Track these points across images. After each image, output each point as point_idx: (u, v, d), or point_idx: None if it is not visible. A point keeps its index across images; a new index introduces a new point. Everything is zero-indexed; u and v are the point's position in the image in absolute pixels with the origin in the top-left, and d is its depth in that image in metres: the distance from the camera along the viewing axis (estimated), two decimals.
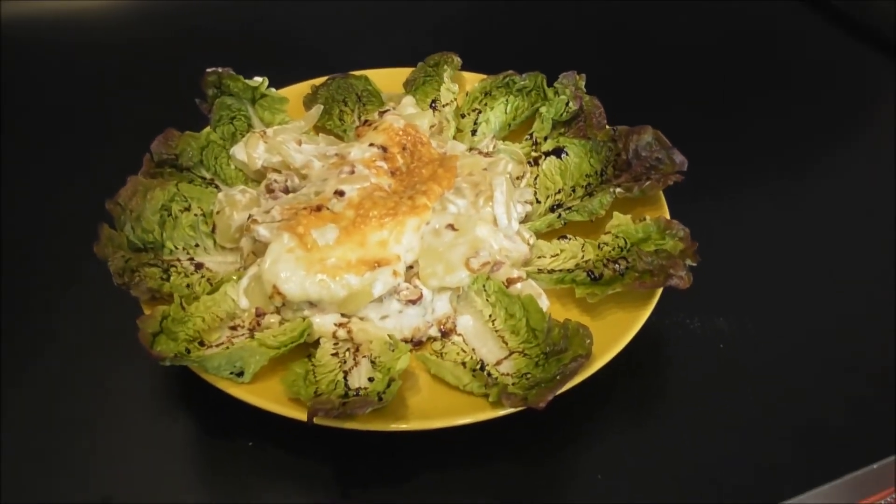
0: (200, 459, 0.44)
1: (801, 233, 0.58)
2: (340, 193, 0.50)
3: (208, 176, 0.55)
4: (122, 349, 0.48)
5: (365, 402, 0.39)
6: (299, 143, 0.56)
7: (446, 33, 0.81)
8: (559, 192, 0.55)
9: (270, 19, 0.84)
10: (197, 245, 0.51)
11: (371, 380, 0.43)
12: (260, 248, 0.49)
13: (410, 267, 0.48)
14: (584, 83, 0.59)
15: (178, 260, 0.49)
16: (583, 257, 0.50)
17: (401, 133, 0.54)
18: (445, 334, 0.47)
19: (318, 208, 0.49)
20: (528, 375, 0.43)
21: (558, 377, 0.41)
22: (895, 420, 0.45)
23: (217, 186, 0.55)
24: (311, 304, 0.46)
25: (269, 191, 0.53)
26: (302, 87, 0.63)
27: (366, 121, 0.59)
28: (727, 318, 0.51)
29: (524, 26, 0.84)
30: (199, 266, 0.50)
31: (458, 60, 0.62)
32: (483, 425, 0.41)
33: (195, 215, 0.51)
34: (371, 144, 0.53)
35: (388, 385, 0.41)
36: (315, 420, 0.39)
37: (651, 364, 0.48)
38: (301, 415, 0.40)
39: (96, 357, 0.49)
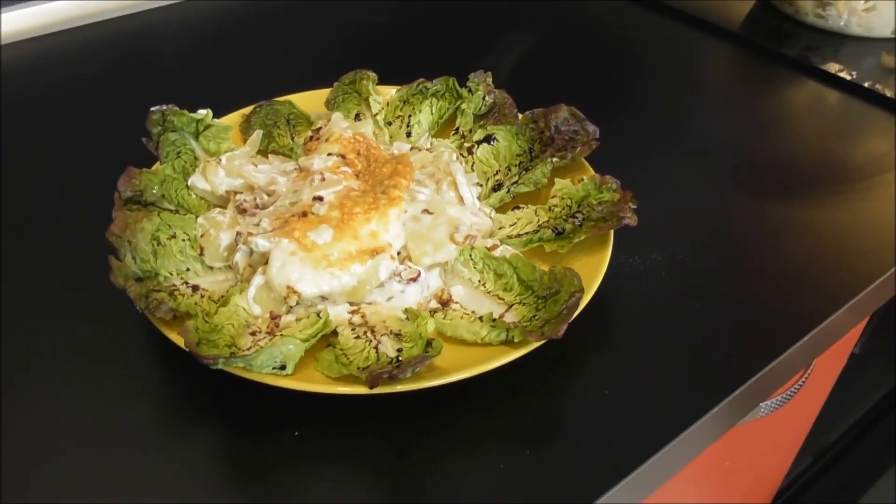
0: (244, 459, 0.46)
1: (691, 172, 0.71)
2: (319, 199, 0.54)
3: (172, 208, 0.57)
4: (131, 369, 0.50)
5: (418, 358, 0.44)
6: (255, 165, 0.59)
7: (334, 56, 0.86)
8: (497, 173, 0.62)
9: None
10: (188, 269, 0.52)
11: (400, 350, 0.47)
12: (256, 260, 0.52)
13: (399, 252, 0.53)
14: (491, 79, 0.67)
15: (174, 285, 0.51)
16: (538, 221, 0.57)
17: (353, 140, 0.59)
18: (445, 304, 0.52)
19: (305, 214, 0.53)
20: (535, 317, 0.49)
21: (564, 311, 0.48)
22: (806, 298, 0.57)
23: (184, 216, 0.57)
24: (323, 298, 0.50)
25: (242, 211, 0.56)
26: (232, 118, 0.66)
27: (311, 136, 0.63)
28: (660, 252, 0.60)
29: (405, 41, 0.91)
30: (195, 288, 0.52)
31: (373, 75, 0.68)
32: (499, 371, 0.47)
33: (182, 241, 0.53)
34: (329, 154, 0.58)
35: (429, 344, 0.46)
36: (378, 386, 0.43)
37: (612, 297, 0.56)
38: (356, 390, 0.44)
39: (105, 378, 0.50)
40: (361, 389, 0.44)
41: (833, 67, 0.84)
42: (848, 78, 0.82)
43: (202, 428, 0.48)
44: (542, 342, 0.47)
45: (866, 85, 0.81)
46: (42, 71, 0.83)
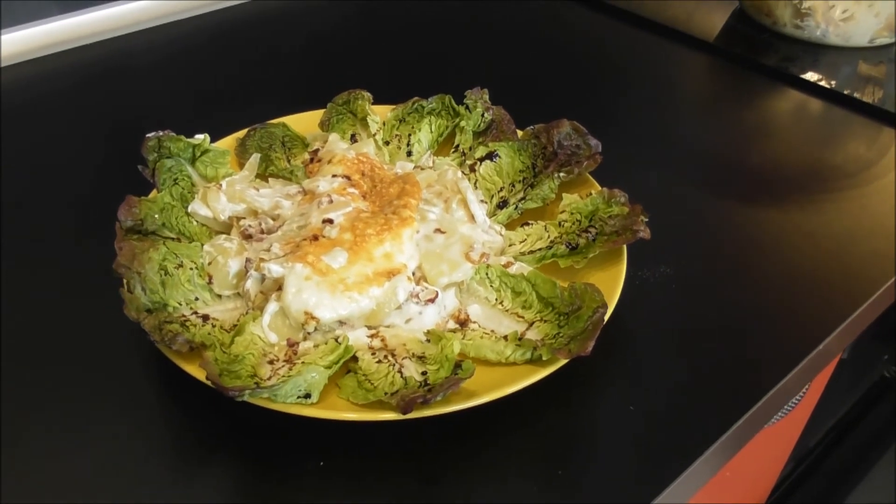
0: (269, 494, 0.45)
1: (684, 183, 0.71)
2: (329, 221, 0.53)
3: (173, 236, 0.55)
4: (138, 405, 0.48)
5: (450, 381, 0.43)
6: (256, 189, 0.58)
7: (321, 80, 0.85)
8: (501, 190, 0.61)
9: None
10: (196, 298, 0.51)
11: (425, 373, 0.46)
12: (269, 286, 0.50)
13: (413, 273, 0.52)
14: (487, 96, 0.66)
15: (185, 316, 0.49)
16: (549, 237, 0.57)
17: (356, 161, 0.58)
18: (463, 324, 0.52)
19: (316, 237, 0.51)
20: (559, 335, 0.48)
21: (590, 327, 0.47)
22: (813, 309, 0.57)
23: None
24: (342, 323, 0.49)
25: (247, 236, 0.54)
26: (226, 142, 0.64)
27: (311, 159, 0.62)
28: (668, 265, 0.60)
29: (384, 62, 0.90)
30: (205, 318, 0.50)
31: (368, 95, 0.67)
32: (521, 391, 0.46)
33: (190, 269, 0.51)
34: (334, 176, 0.57)
35: (458, 366, 0.45)
36: (413, 412, 0.42)
37: (627, 310, 0.56)
38: (386, 416, 0.43)
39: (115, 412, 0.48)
40: (392, 415, 0.43)
41: (813, 77, 0.85)
42: (828, 87, 0.84)
43: (218, 466, 0.45)
44: (568, 360, 0.46)
45: (846, 93, 0.83)
46: (15, 96, 0.80)
